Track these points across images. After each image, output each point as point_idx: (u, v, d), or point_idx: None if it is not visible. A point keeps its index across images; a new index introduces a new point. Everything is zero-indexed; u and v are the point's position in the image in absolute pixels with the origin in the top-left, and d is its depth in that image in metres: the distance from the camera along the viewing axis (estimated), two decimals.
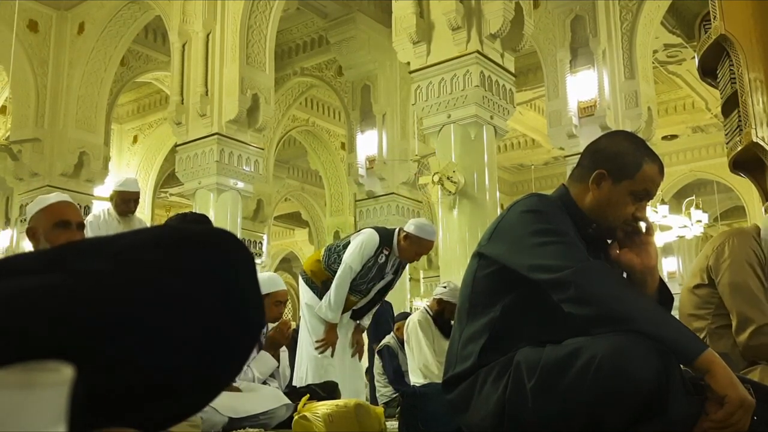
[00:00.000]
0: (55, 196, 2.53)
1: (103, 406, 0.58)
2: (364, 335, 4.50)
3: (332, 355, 4.10)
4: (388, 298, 4.51)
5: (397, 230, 4.08)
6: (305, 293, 4.21)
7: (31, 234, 2.42)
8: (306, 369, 4.15)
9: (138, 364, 0.58)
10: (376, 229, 4.14)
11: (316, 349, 4.10)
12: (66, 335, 0.55)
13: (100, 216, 4.86)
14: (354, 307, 4.19)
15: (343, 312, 4.11)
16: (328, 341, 4.10)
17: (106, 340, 0.56)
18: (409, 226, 4.01)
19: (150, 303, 0.59)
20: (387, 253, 4.02)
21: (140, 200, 5.17)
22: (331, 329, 4.10)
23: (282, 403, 3.14)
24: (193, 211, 8.44)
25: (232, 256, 0.65)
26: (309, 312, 4.16)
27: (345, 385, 4.01)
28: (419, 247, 4.01)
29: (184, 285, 0.61)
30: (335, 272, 4.01)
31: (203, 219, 3.44)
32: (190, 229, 0.66)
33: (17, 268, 0.61)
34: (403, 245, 4.00)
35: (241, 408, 2.95)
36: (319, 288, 4.12)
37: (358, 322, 4.29)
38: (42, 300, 0.55)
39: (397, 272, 4.18)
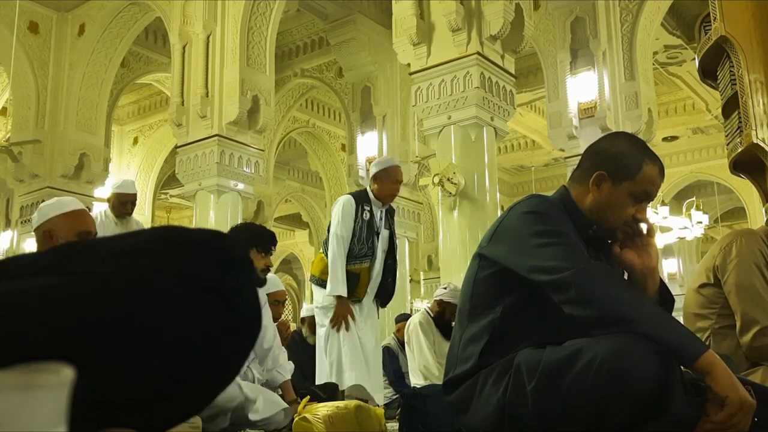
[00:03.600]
0: (73, 202, 2.47)
1: (102, 407, 0.58)
2: None
3: (347, 329, 4.05)
4: (390, 303, 4.47)
5: (368, 184, 4.19)
6: (318, 295, 4.21)
7: (48, 236, 2.33)
8: (335, 365, 4.10)
9: (136, 366, 0.58)
10: (350, 193, 4.25)
11: (332, 327, 4.07)
12: (66, 337, 0.55)
13: (97, 218, 4.83)
14: (371, 281, 4.17)
15: (362, 289, 4.11)
16: (338, 315, 4.05)
17: (105, 343, 0.56)
18: (371, 170, 4.15)
19: (149, 306, 0.59)
20: (368, 208, 4.10)
21: (141, 202, 5.17)
22: (340, 303, 4.06)
23: (280, 408, 3.13)
24: (194, 211, 8.44)
25: (229, 258, 0.66)
26: (324, 314, 4.15)
27: (366, 376, 4.01)
28: (390, 177, 4.12)
29: (182, 287, 0.61)
30: None
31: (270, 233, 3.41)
32: (188, 231, 0.67)
33: (18, 269, 0.61)
34: (377, 188, 4.11)
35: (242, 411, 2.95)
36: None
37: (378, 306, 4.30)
38: (42, 302, 0.56)
39: (390, 225, 4.26)
